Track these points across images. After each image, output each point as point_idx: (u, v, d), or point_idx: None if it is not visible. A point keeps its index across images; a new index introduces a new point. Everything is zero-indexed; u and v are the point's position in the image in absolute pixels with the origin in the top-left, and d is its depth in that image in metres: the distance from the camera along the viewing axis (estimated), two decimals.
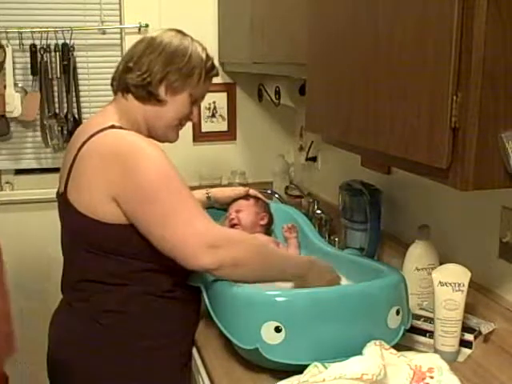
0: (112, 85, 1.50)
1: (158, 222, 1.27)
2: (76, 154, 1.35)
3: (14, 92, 2.38)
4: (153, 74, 1.41)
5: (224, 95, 2.62)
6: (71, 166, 1.36)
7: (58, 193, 1.43)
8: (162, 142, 1.49)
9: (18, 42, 2.39)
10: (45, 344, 1.51)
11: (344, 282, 1.51)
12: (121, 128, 1.36)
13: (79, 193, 1.34)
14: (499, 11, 0.95)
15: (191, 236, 1.26)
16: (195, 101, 1.49)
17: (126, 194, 1.28)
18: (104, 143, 1.32)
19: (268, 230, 1.82)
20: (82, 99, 2.42)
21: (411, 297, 1.40)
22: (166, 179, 1.29)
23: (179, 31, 1.50)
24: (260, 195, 1.84)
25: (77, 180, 1.35)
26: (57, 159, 2.44)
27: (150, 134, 1.46)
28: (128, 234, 1.31)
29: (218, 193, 1.80)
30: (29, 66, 2.40)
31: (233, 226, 1.74)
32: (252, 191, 1.83)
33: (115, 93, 1.49)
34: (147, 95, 1.42)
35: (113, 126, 1.35)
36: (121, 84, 1.45)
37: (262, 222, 1.77)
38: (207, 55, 1.50)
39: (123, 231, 1.31)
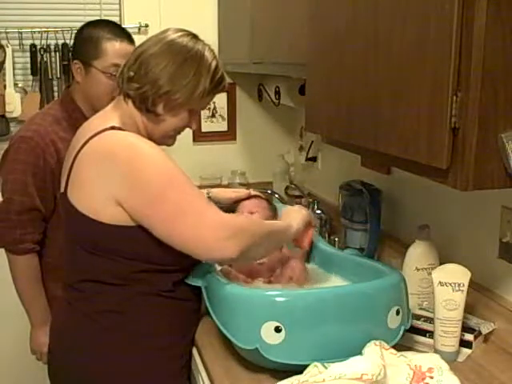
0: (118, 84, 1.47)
1: (171, 220, 1.26)
2: (76, 155, 1.35)
3: (14, 92, 2.38)
4: (155, 87, 1.34)
5: (224, 95, 2.62)
6: (71, 166, 1.36)
7: (59, 192, 1.43)
8: (159, 145, 1.47)
9: (18, 42, 2.39)
10: None
11: (344, 282, 1.52)
12: (120, 129, 1.35)
13: (80, 193, 1.34)
14: (499, 11, 0.95)
15: (208, 229, 1.25)
16: (195, 113, 1.45)
17: (131, 197, 1.28)
18: (103, 144, 1.32)
19: None
20: None
21: (411, 297, 1.40)
22: (170, 177, 1.28)
23: (194, 36, 1.43)
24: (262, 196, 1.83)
25: (77, 181, 1.34)
26: None
27: (149, 138, 1.45)
28: (130, 236, 1.31)
29: (219, 193, 1.79)
30: (29, 66, 2.41)
31: None
32: (254, 193, 1.82)
33: (119, 93, 1.46)
34: (145, 108, 1.38)
35: (113, 128, 1.35)
36: (122, 89, 1.42)
37: None
38: (216, 67, 1.45)
39: (125, 232, 1.31)
